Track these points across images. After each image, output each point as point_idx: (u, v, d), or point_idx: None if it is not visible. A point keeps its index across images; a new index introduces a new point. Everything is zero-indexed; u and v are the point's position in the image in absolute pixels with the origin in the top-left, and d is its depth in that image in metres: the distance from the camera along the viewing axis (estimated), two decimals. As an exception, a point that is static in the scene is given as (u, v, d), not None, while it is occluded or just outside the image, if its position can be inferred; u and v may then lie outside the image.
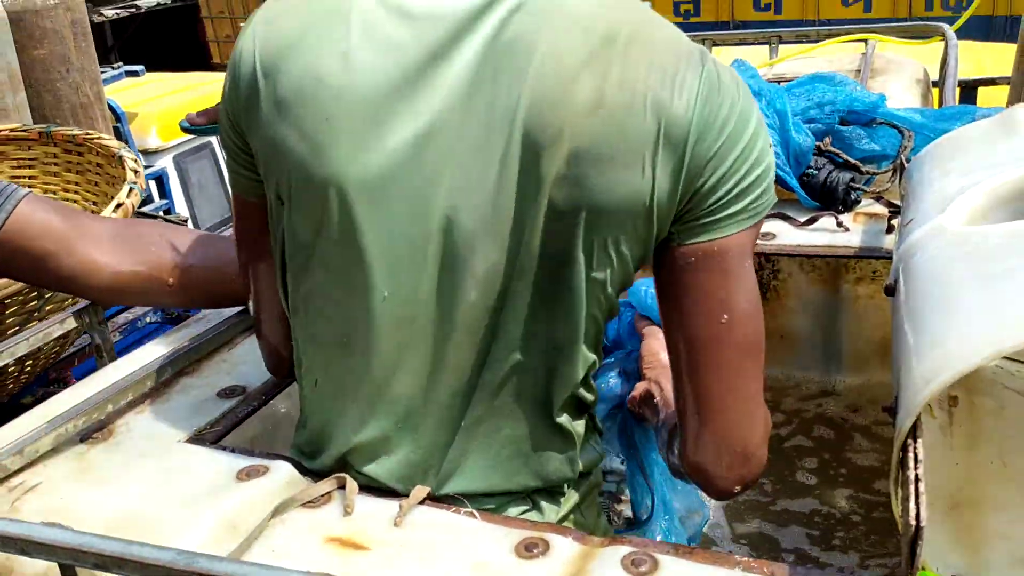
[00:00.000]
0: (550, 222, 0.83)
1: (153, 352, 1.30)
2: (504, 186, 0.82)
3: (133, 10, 8.65)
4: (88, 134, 1.83)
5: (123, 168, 1.66)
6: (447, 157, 0.82)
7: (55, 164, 1.89)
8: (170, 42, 9.24)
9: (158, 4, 9.06)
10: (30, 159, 1.90)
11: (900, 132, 1.65)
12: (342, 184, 0.82)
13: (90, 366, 2.14)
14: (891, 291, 1.08)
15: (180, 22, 9.44)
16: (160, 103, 4.12)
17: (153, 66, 5.13)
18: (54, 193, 1.90)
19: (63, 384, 1.89)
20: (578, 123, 0.79)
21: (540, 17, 0.81)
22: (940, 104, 2.19)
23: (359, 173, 0.82)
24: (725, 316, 0.86)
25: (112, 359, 1.35)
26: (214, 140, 4.20)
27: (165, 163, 3.86)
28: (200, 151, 4.14)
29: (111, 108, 3.55)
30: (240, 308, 1.41)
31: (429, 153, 0.82)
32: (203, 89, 4.60)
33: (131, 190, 1.50)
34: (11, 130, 1.91)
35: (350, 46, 0.81)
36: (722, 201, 0.84)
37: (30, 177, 1.91)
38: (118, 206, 1.44)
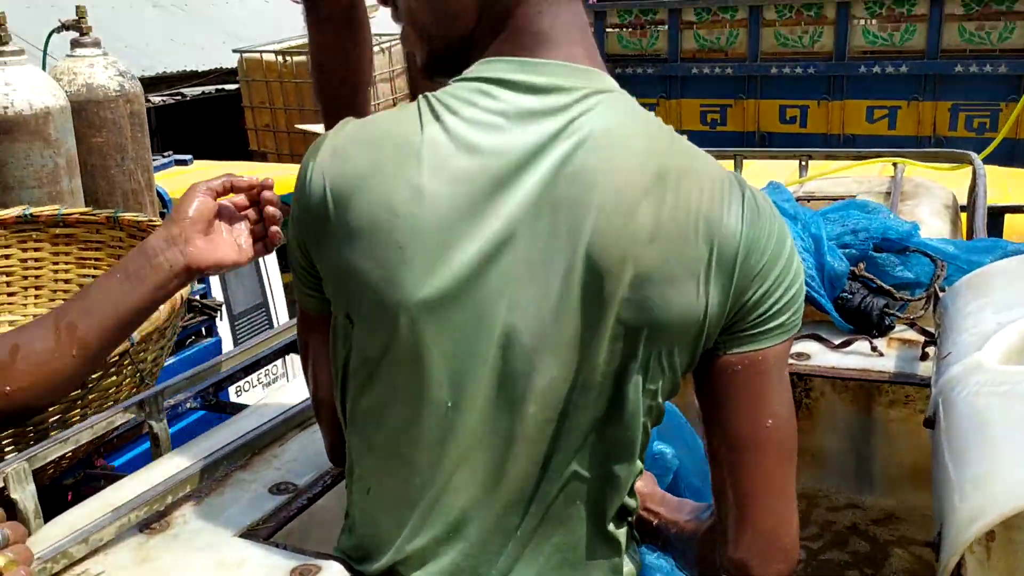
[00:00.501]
0: (613, 341, 0.89)
1: (207, 445, 1.34)
2: (566, 306, 0.88)
3: (179, 98, 8.99)
4: (152, 221, 1.92)
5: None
6: (509, 277, 0.88)
7: (120, 247, 1.97)
8: (212, 128, 9.54)
9: (203, 93, 9.41)
10: (97, 242, 1.98)
11: (933, 261, 1.70)
12: (412, 305, 0.88)
13: (129, 451, 2.17)
14: (931, 424, 1.12)
15: (222, 110, 9.75)
16: (204, 190, 4.26)
17: (195, 149, 5.31)
18: (117, 275, 1.98)
19: (105, 469, 1.92)
20: (640, 250, 0.87)
21: (599, 153, 0.88)
22: (969, 232, 2.25)
23: (428, 294, 0.88)
24: (770, 421, 0.93)
25: (168, 449, 1.40)
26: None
27: (205, 249, 3.97)
28: (239, 238, 4.25)
29: (159, 194, 3.68)
30: (292, 405, 1.46)
31: (492, 273, 0.88)
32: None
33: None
34: (81, 213, 2.00)
35: (421, 179, 0.87)
36: (767, 314, 0.91)
37: (96, 259, 1.99)
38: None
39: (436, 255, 0.87)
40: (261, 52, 8.92)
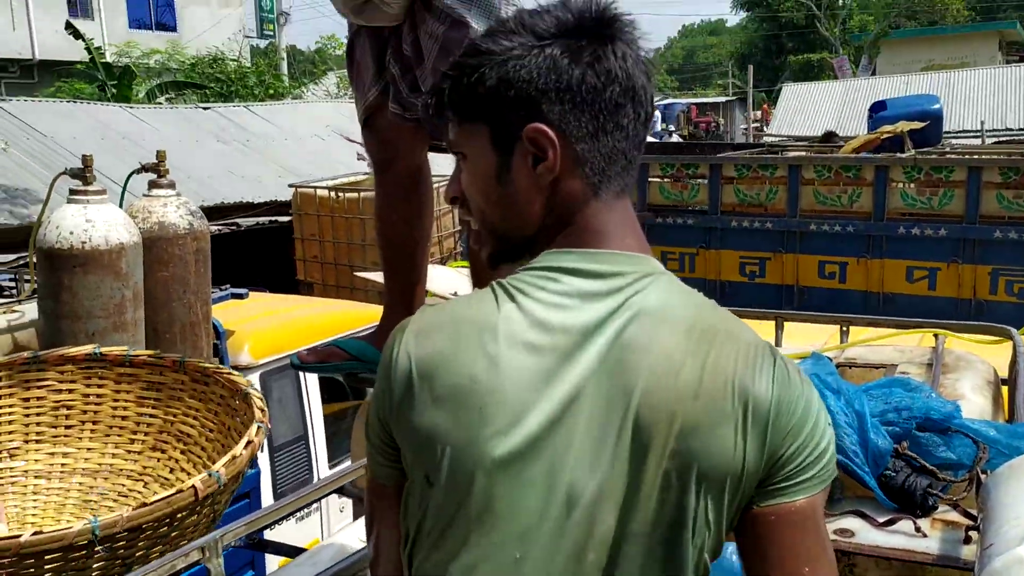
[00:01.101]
0: (662, 491, 0.98)
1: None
2: (620, 459, 0.98)
3: (234, 227, 9.35)
4: (219, 369, 2.02)
5: (246, 404, 1.81)
6: (573, 436, 0.98)
7: (181, 390, 2.06)
8: (262, 257, 9.85)
9: (257, 224, 9.78)
10: (159, 383, 2.09)
11: (975, 443, 1.73)
12: (489, 463, 0.97)
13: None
14: (976, 617, 1.14)
15: (273, 240, 10.09)
16: (255, 324, 4.40)
17: (244, 276, 5.50)
18: (174, 416, 2.06)
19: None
20: (684, 406, 0.97)
21: (651, 323, 1.00)
22: (1010, 410, 2.27)
23: (503, 453, 0.98)
24: (807, 568, 0.99)
25: (224, 594, 1.44)
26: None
27: (253, 379, 4.07)
28: (284, 371, 4.35)
29: (214, 327, 3.81)
30: (347, 554, 1.50)
31: (560, 432, 0.98)
32: (294, 313, 4.91)
33: (259, 429, 1.64)
34: (148, 355, 2.11)
35: (499, 350, 0.99)
36: (799, 467, 1.00)
37: (155, 399, 2.08)
38: (248, 443, 1.58)
39: (512, 417, 0.97)
40: (315, 188, 9.30)
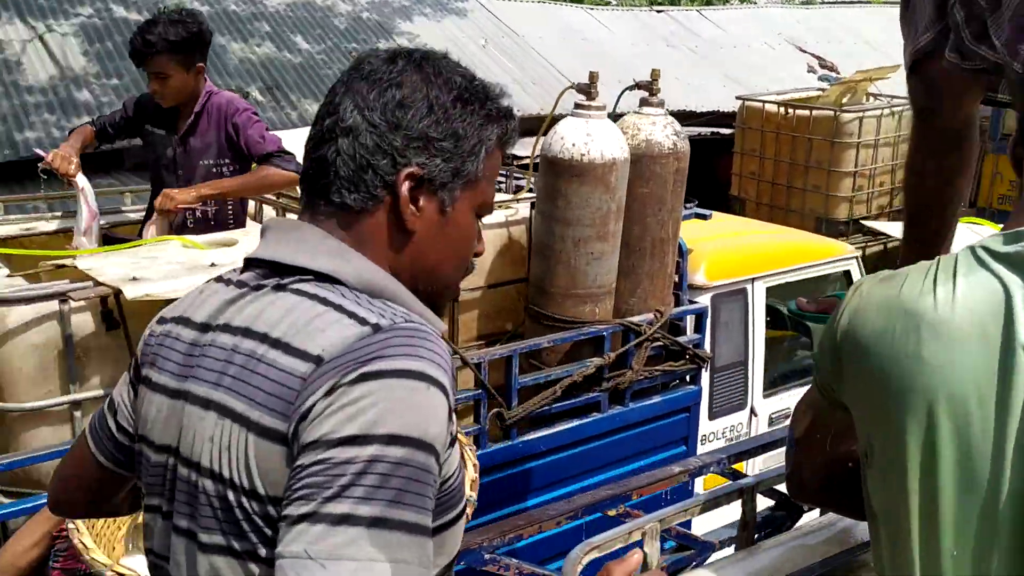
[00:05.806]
0: None
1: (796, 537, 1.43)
2: None
3: (677, 136, 9.52)
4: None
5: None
6: None
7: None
8: (697, 168, 9.93)
9: (698, 134, 9.83)
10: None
11: None
12: None
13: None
14: None
15: (709, 152, 10.10)
16: (713, 244, 4.46)
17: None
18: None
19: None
20: None
21: None
22: None
23: None
24: None
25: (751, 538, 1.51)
26: (749, 288, 4.43)
27: (705, 300, 4.16)
28: (735, 295, 4.39)
29: (679, 244, 3.93)
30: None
31: None
32: (750, 238, 4.90)
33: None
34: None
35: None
36: None
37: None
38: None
39: None
40: (763, 102, 9.06)
